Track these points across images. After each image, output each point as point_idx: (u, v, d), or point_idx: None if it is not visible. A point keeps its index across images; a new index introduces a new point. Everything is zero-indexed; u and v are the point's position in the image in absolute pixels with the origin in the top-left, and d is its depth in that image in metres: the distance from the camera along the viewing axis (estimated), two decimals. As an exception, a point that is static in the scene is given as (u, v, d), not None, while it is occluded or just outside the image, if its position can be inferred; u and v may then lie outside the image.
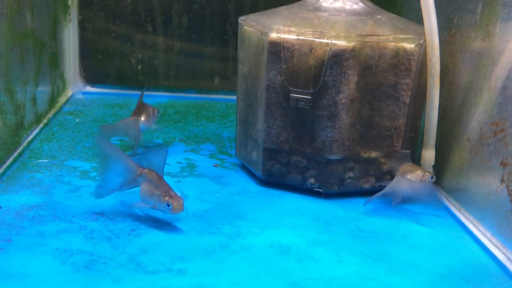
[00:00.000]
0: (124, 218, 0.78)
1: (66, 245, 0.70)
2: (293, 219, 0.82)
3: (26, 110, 1.03)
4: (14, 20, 0.96)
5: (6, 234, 0.72)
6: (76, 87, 1.40)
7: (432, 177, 0.87)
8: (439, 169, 0.92)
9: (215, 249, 0.72)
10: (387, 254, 0.74)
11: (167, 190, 0.74)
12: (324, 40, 0.82)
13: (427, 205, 0.88)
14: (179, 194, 0.74)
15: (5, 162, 0.91)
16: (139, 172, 0.77)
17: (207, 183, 0.93)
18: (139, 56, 1.42)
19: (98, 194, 0.79)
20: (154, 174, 0.77)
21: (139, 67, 1.43)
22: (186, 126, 1.21)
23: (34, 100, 1.08)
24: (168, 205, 0.73)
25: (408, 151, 0.88)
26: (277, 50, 0.85)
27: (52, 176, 0.90)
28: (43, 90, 1.16)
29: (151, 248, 0.71)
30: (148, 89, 1.39)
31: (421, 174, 0.86)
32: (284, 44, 0.84)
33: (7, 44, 0.93)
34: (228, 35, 1.42)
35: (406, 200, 0.87)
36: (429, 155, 0.91)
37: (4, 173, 0.89)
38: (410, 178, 0.86)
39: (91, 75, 1.42)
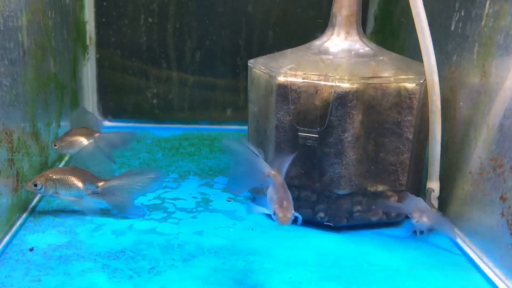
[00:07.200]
0: (144, 256, 0.83)
1: (91, 285, 0.75)
2: (303, 254, 0.86)
3: (50, 150, 1.09)
4: (39, 68, 1.03)
5: (36, 275, 0.77)
6: (94, 122, 1.47)
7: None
8: (445, 200, 0.96)
9: (230, 286, 0.76)
10: (394, 287, 0.78)
11: (282, 199, 0.70)
12: (329, 83, 0.87)
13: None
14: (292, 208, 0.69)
15: (31, 202, 0.97)
16: (266, 173, 0.75)
17: (221, 218, 0.97)
18: (155, 90, 1.48)
19: (231, 190, 0.89)
20: (279, 178, 0.73)
21: (155, 101, 1.49)
22: (201, 159, 1.26)
23: (56, 139, 1.14)
24: (274, 213, 0.69)
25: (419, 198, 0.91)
26: (284, 92, 0.90)
27: (75, 215, 0.96)
28: (65, 128, 1.22)
29: (170, 286, 0.75)
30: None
31: None
32: (291, 86, 0.89)
33: (33, 91, 0.99)
34: (238, 69, 1.48)
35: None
36: (433, 187, 0.95)
37: (31, 213, 0.95)
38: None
39: (108, 110, 1.49)
